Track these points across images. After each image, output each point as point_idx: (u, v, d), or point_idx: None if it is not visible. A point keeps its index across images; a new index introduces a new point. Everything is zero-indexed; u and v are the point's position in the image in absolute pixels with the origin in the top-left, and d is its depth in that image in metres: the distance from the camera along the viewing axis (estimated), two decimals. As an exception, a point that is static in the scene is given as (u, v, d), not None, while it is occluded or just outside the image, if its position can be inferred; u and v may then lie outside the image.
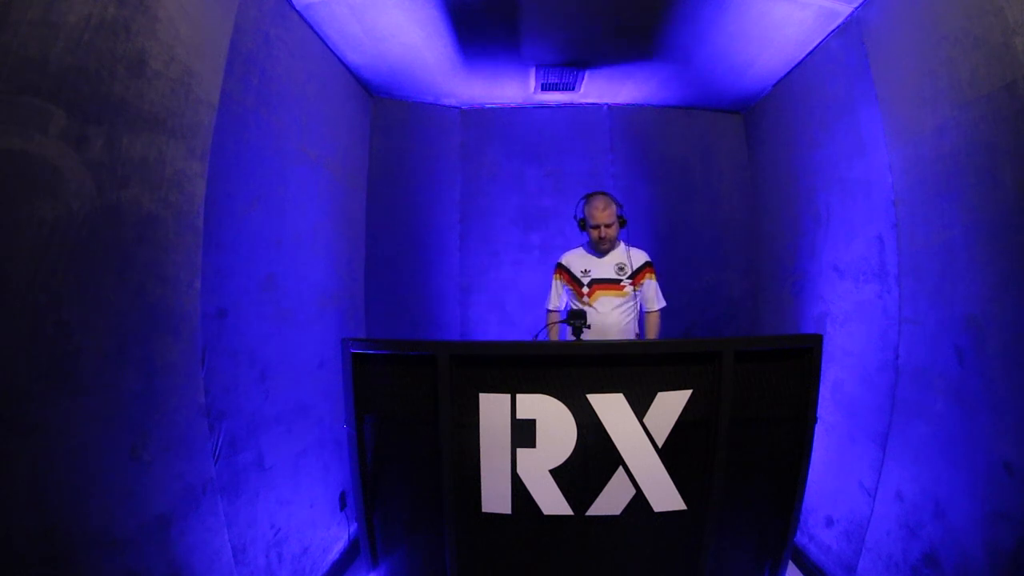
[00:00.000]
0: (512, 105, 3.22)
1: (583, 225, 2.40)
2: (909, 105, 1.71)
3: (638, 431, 1.49)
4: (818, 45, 2.27)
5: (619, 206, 2.37)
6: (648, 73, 2.77)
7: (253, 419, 1.68)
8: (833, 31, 2.14)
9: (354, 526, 2.29)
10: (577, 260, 2.45)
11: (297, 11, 2.01)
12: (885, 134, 1.84)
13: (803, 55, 2.39)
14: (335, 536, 2.23)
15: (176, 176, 1.33)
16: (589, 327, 2.07)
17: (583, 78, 2.83)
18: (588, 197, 2.38)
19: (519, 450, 1.50)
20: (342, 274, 2.52)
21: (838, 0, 1.96)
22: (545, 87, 2.94)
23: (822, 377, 1.56)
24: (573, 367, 1.51)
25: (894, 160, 1.80)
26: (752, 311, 3.13)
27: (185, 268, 1.37)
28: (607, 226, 2.32)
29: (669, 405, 1.49)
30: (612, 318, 2.33)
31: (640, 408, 1.48)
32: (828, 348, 1.81)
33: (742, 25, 2.22)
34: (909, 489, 1.68)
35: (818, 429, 1.57)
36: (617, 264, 2.39)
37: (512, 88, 2.97)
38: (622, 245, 2.44)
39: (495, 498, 1.52)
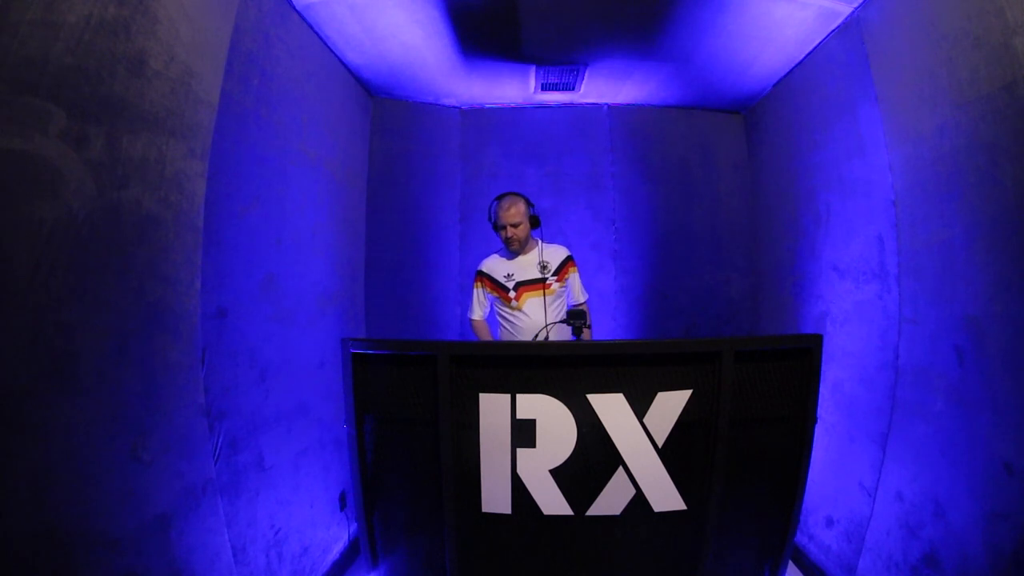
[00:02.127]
0: (512, 105, 3.22)
1: (495, 228, 2.35)
2: (909, 105, 1.71)
3: (638, 431, 1.49)
4: (818, 45, 2.27)
5: (530, 205, 2.33)
6: (648, 73, 2.77)
7: (253, 419, 1.68)
8: (833, 31, 2.14)
9: (354, 526, 2.29)
10: (498, 266, 2.40)
11: (297, 11, 2.01)
12: (885, 134, 1.84)
13: (803, 55, 2.39)
14: (335, 536, 2.23)
15: (176, 176, 1.33)
16: (589, 327, 2.07)
17: (583, 78, 2.83)
18: (496, 198, 2.34)
19: (519, 450, 1.50)
20: (342, 274, 2.52)
21: (838, 0, 1.96)
22: (545, 87, 2.94)
23: (822, 377, 1.56)
24: (573, 367, 1.51)
25: (894, 160, 1.80)
26: (752, 311, 3.13)
27: (185, 268, 1.37)
28: (514, 226, 2.27)
29: (669, 405, 1.49)
30: (542, 318, 2.30)
31: (640, 408, 1.48)
32: (828, 348, 1.81)
33: (742, 25, 2.22)
34: (909, 489, 1.68)
35: (818, 429, 1.57)
36: (539, 263, 2.35)
37: (512, 88, 2.97)
38: (540, 244, 2.40)
39: (495, 498, 1.52)
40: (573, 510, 1.51)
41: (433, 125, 3.17)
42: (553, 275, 2.36)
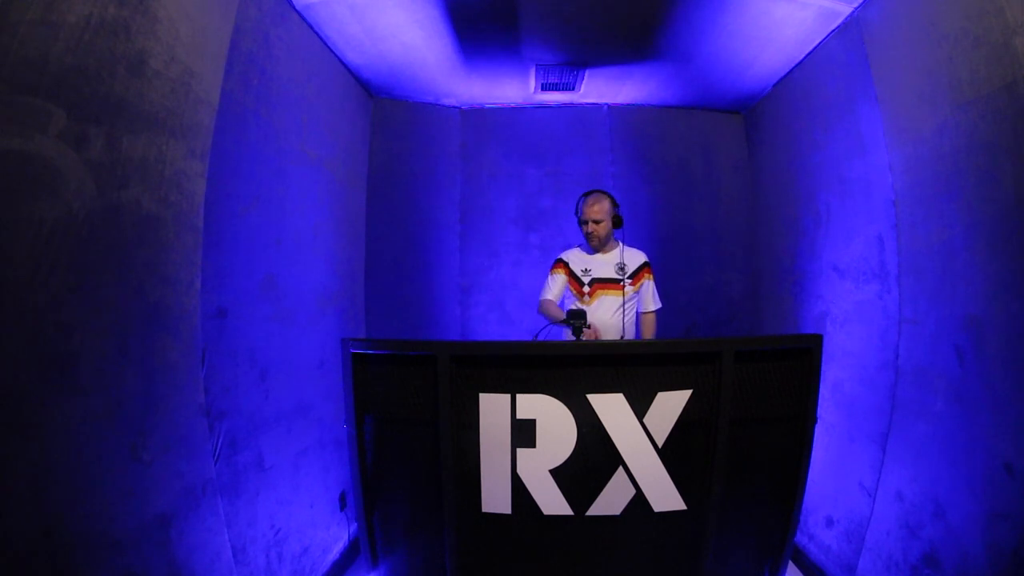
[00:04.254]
0: (512, 105, 3.22)
1: (580, 222, 2.39)
2: (909, 105, 1.71)
3: (638, 431, 1.49)
4: (818, 45, 2.27)
5: (615, 205, 2.36)
6: (648, 73, 2.77)
7: (253, 419, 1.68)
8: (833, 31, 2.14)
9: (354, 526, 2.29)
10: (577, 259, 2.43)
11: (297, 11, 2.01)
12: (885, 134, 1.84)
13: (803, 55, 2.39)
14: (335, 536, 2.23)
15: (176, 176, 1.33)
16: (589, 327, 2.07)
17: (583, 78, 2.83)
18: (584, 194, 2.38)
19: (519, 450, 1.50)
20: (342, 274, 2.52)
21: (838, 0, 1.96)
22: (545, 87, 2.94)
23: (822, 377, 1.56)
24: (573, 367, 1.51)
25: (894, 160, 1.80)
26: (752, 311, 3.13)
27: (185, 268, 1.37)
28: (596, 222, 2.30)
29: (669, 405, 1.49)
30: (611, 318, 2.33)
31: (640, 408, 1.48)
32: (828, 348, 1.81)
33: (742, 25, 2.22)
34: (909, 489, 1.68)
35: (818, 429, 1.57)
36: (617, 264, 2.38)
37: (512, 88, 2.97)
38: (620, 245, 2.42)
39: (495, 498, 1.52)
40: (573, 510, 1.51)
41: (433, 125, 3.17)
42: (629, 278, 2.37)
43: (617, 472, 1.50)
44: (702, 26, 2.26)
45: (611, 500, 1.51)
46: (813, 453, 1.56)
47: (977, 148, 1.44)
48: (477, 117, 3.24)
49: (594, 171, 3.24)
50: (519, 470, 1.51)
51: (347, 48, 2.40)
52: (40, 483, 0.97)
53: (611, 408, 1.48)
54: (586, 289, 2.37)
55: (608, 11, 2.19)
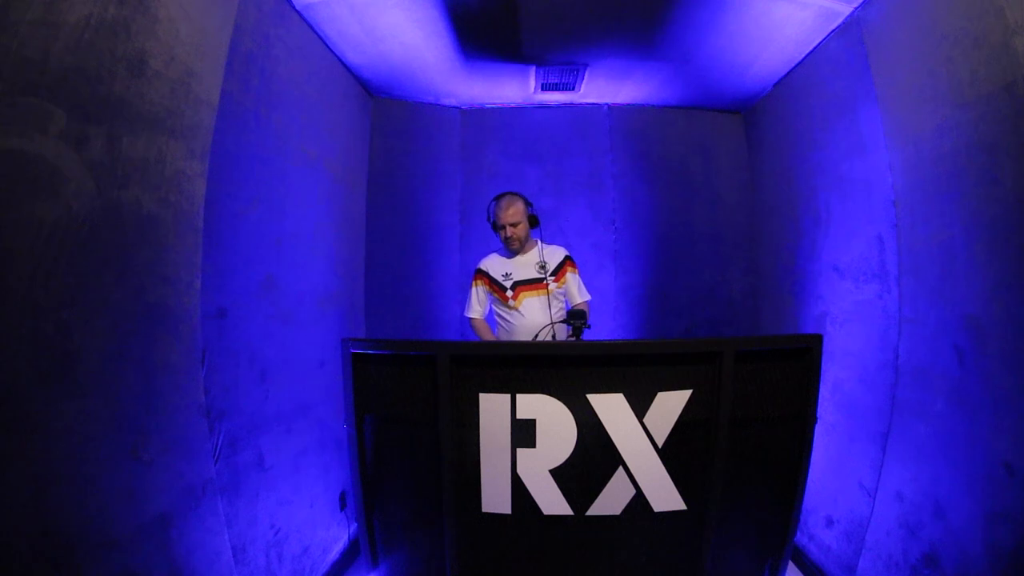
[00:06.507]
0: (512, 105, 3.22)
1: (495, 227, 2.38)
2: (909, 105, 1.71)
3: (638, 431, 1.49)
4: (818, 45, 2.27)
5: (528, 204, 2.34)
6: (648, 73, 2.77)
7: (253, 419, 1.68)
8: (833, 31, 2.14)
9: (354, 526, 2.29)
10: (496, 264, 2.41)
11: (297, 11, 2.01)
12: (885, 134, 1.84)
13: (803, 55, 2.39)
14: (335, 536, 2.23)
15: (176, 176, 1.33)
16: (590, 327, 2.06)
17: (583, 78, 2.83)
18: (495, 198, 2.36)
19: (519, 450, 1.50)
20: (342, 274, 2.52)
21: (838, 0, 1.96)
22: (545, 87, 2.94)
23: (822, 377, 1.56)
24: (573, 367, 1.51)
25: (894, 160, 1.80)
26: (752, 311, 3.13)
27: (185, 268, 1.37)
28: (513, 225, 2.29)
29: (669, 405, 1.49)
30: (540, 318, 2.30)
31: (640, 408, 1.48)
32: (828, 348, 1.81)
33: (742, 25, 2.22)
34: (909, 489, 1.68)
35: (818, 429, 1.57)
36: (537, 263, 2.36)
37: (512, 88, 2.97)
38: (539, 244, 2.41)
39: (495, 498, 1.52)
40: (573, 510, 1.51)
41: (433, 125, 3.16)
42: (551, 275, 2.36)
43: (617, 472, 1.50)
44: (702, 26, 2.26)
45: (611, 500, 1.51)
46: (813, 453, 1.56)
47: (977, 148, 1.44)
48: (477, 117, 3.24)
49: (594, 171, 3.24)
50: (519, 470, 1.51)
51: (347, 48, 2.40)
52: (40, 483, 0.97)
53: (611, 408, 1.48)
54: (509, 293, 2.35)
55: (608, 11, 2.19)
